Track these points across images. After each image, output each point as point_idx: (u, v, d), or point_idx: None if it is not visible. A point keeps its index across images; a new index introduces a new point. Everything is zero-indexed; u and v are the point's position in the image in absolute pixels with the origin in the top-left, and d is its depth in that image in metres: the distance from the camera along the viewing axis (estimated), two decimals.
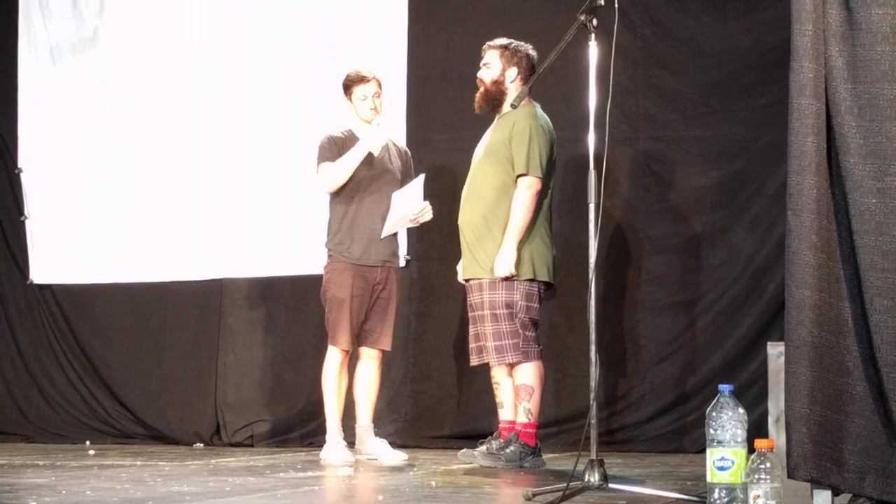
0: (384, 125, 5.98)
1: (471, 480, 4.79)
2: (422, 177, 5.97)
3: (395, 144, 6.19)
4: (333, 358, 5.97)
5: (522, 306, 5.43)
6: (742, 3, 6.50)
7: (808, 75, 3.11)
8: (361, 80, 6.02)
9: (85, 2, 7.88)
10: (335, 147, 5.99)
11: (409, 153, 6.26)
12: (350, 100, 6.06)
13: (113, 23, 7.81)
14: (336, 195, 6.03)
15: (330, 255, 6.02)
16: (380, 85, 6.06)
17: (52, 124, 7.92)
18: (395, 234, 6.09)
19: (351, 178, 5.95)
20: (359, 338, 5.99)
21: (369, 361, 6.04)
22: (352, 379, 6.08)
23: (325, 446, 5.96)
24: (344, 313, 5.92)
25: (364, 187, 5.97)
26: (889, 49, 3.05)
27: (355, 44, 7.17)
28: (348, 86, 6.06)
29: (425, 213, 5.99)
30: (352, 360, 6.07)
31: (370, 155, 5.99)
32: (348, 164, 5.91)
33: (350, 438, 6.07)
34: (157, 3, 7.72)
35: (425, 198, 5.95)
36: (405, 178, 6.08)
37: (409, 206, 5.92)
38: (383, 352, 6.08)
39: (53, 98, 7.93)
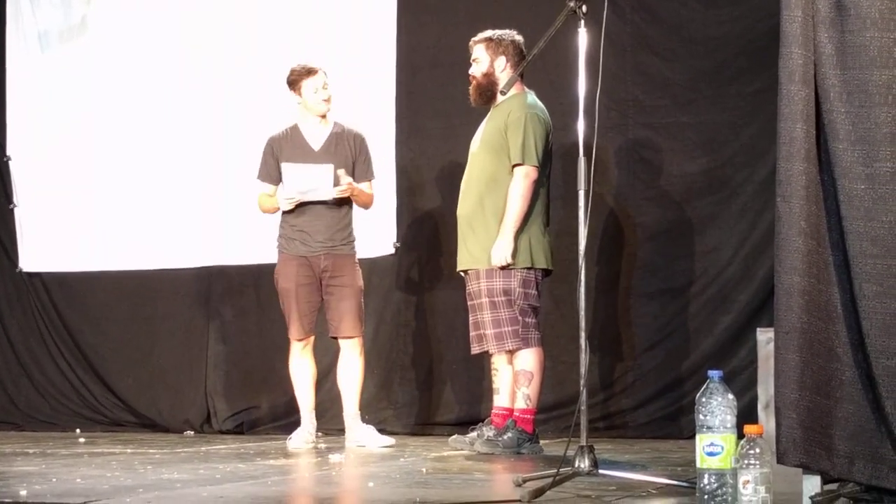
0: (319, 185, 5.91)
1: (461, 466, 4.79)
2: (330, 166, 5.88)
3: (345, 129, 6.08)
4: (292, 348, 6.09)
5: (520, 293, 5.42)
6: None
7: (798, 62, 3.11)
8: (310, 72, 5.97)
9: None
10: (271, 160, 6.02)
11: (363, 137, 6.10)
12: (299, 94, 6.00)
13: (101, 11, 7.78)
14: (280, 188, 6.03)
15: (277, 249, 6.08)
16: (326, 75, 6.02)
17: (41, 112, 7.88)
18: (349, 220, 6.02)
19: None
20: (328, 329, 6.08)
21: (344, 350, 6.05)
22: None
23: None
24: (292, 303, 6.00)
25: None
26: (878, 35, 3.05)
27: (345, 32, 7.14)
28: (296, 80, 5.99)
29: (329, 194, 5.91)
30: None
31: (309, 147, 6.00)
32: (267, 208, 6.07)
33: (340, 426, 6.10)
34: None
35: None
36: (357, 163, 6.01)
37: (312, 185, 5.87)
38: (361, 339, 6.06)
39: (41, 86, 7.89)
